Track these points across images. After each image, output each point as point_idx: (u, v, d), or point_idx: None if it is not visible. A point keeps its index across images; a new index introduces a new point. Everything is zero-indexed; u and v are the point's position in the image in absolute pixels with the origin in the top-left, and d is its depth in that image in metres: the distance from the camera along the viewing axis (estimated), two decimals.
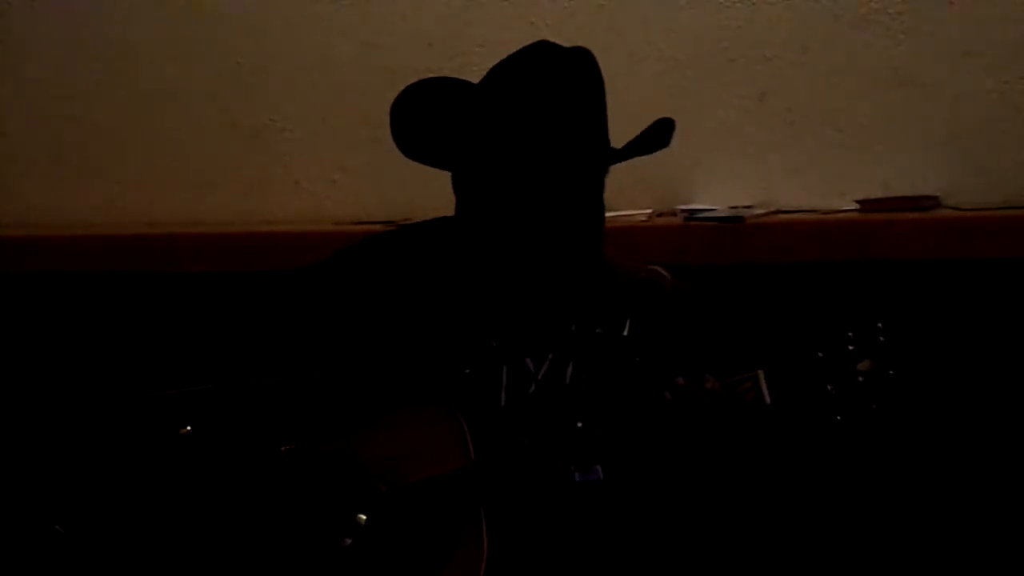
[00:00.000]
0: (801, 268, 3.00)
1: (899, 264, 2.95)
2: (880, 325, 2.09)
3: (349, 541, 2.20)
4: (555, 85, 2.20)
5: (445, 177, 2.35)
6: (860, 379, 2.09)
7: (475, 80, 2.31)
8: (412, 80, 3.50)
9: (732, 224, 3.03)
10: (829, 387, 2.10)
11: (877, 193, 3.19)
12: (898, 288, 2.97)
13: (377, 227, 3.19)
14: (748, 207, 3.16)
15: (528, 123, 2.19)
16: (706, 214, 3.10)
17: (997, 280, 2.92)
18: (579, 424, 2.19)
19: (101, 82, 3.71)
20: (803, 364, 2.11)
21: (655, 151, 2.26)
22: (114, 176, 3.72)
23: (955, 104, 3.19)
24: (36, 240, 3.51)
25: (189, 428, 2.24)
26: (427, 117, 2.28)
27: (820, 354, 2.10)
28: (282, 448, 2.23)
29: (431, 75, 3.41)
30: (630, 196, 3.22)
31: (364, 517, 2.20)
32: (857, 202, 3.16)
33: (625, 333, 2.27)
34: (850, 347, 2.10)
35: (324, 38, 3.56)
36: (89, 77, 3.71)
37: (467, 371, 2.28)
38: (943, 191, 3.18)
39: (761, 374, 2.13)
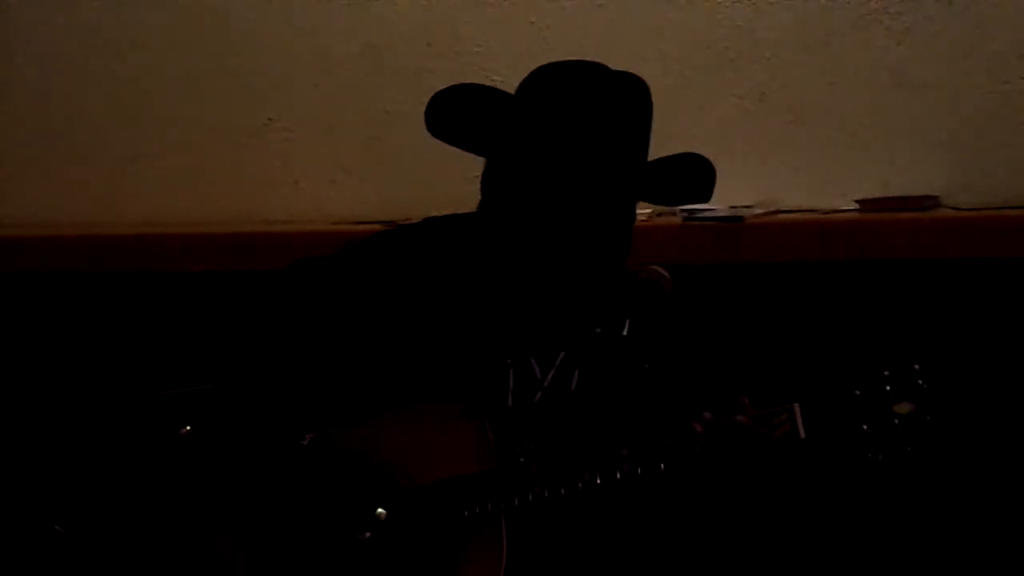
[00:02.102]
0: (801, 268, 2.99)
1: (899, 264, 2.95)
2: (918, 367, 2.10)
3: (368, 535, 2.20)
4: (608, 105, 2.19)
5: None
6: (896, 421, 2.09)
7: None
8: (412, 80, 3.51)
9: (732, 224, 3.03)
10: (865, 427, 2.10)
11: (877, 193, 3.19)
12: (898, 288, 2.97)
13: (377, 227, 3.19)
14: (748, 207, 3.16)
15: (574, 138, 2.17)
16: (706, 214, 3.10)
17: (997, 280, 2.92)
18: (590, 431, 2.20)
19: (101, 82, 3.71)
20: (840, 401, 2.12)
21: (706, 196, 2.28)
22: (114, 176, 3.72)
23: (955, 104, 3.19)
24: (36, 240, 3.51)
25: (189, 428, 2.24)
26: (471, 104, 2.26)
27: (857, 392, 2.11)
28: (306, 436, 2.23)
29: (431, 75, 3.44)
30: None
31: (384, 512, 2.20)
32: (857, 202, 3.16)
33: (624, 333, 2.27)
34: (887, 387, 2.10)
35: (324, 38, 3.56)
36: (89, 77, 3.71)
37: (474, 372, 2.28)
38: (943, 191, 3.18)
39: (797, 407, 2.13)
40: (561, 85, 2.21)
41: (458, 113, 2.24)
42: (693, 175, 2.28)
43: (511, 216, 2.22)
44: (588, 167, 2.16)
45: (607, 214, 2.22)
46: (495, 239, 2.25)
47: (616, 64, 2.23)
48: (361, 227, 3.32)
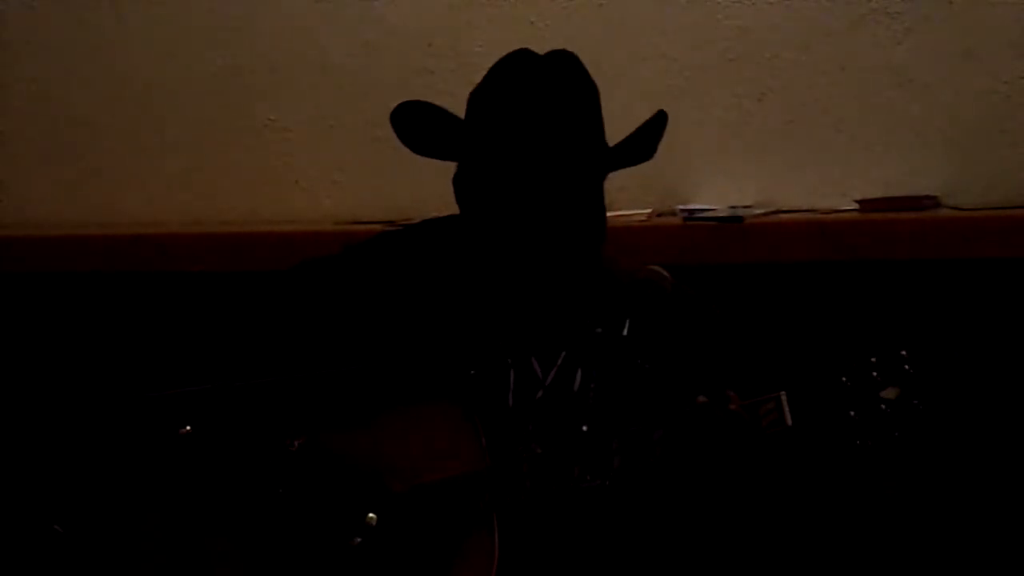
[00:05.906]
0: (801, 268, 3.00)
1: (899, 264, 2.95)
2: (904, 353, 2.10)
3: (359, 540, 2.20)
4: (544, 90, 2.22)
5: (445, 177, 2.35)
6: (883, 407, 2.10)
7: (475, 79, 2.32)
8: (412, 80, 3.51)
9: (732, 224, 3.04)
10: (852, 413, 2.11)
11: (877, 193, 3.19)
12: (898, 288, 2.97)
13: (377, 227, 3.19)
14: (748, 207, 3.16)
15: (521, 130, 2.20)
16: (706, 214, 3.10)
17: (997, 280, 2.92)
18: (589, 430, 2.20)
19: (101, 82, 3.71)
20: (827, 388, 2.12)
21: (652, 150, 2.28)
22: (114, 176, 3.72)
23: (955, 104, 3.19)
24: (36, 240, 3.51)
25: (189, 428, 2.24)
26: (426, 123, 2.30)
27: (844, 379, 2.11)
28: (294, 442, 2.23)
29: (431, 75, 3.45)
30: (630, 196, 3.22)
31: (374, 516, 2.20)
32: (857, 202, 3.16)
33: (624, 333, 2.28)
34: (874, 373, 2.11)
35: (324, 38, 3.56)
36: (89, 77, 3.71)
37: (473, 372, 2.28)
38: (943, 191, 3.18)
39: (783, 396, 2.14)
40: (496, 81, 2.26)
41: (419, 123, 2.29)
42: (644, 127, 2.29)
43: (484, 215, 2.25)
44: (542, 151, 2.19)
45: (575, 192, 2.23)
46: (477, 239, 2.27)
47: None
48: (361, 227, 3.32)
